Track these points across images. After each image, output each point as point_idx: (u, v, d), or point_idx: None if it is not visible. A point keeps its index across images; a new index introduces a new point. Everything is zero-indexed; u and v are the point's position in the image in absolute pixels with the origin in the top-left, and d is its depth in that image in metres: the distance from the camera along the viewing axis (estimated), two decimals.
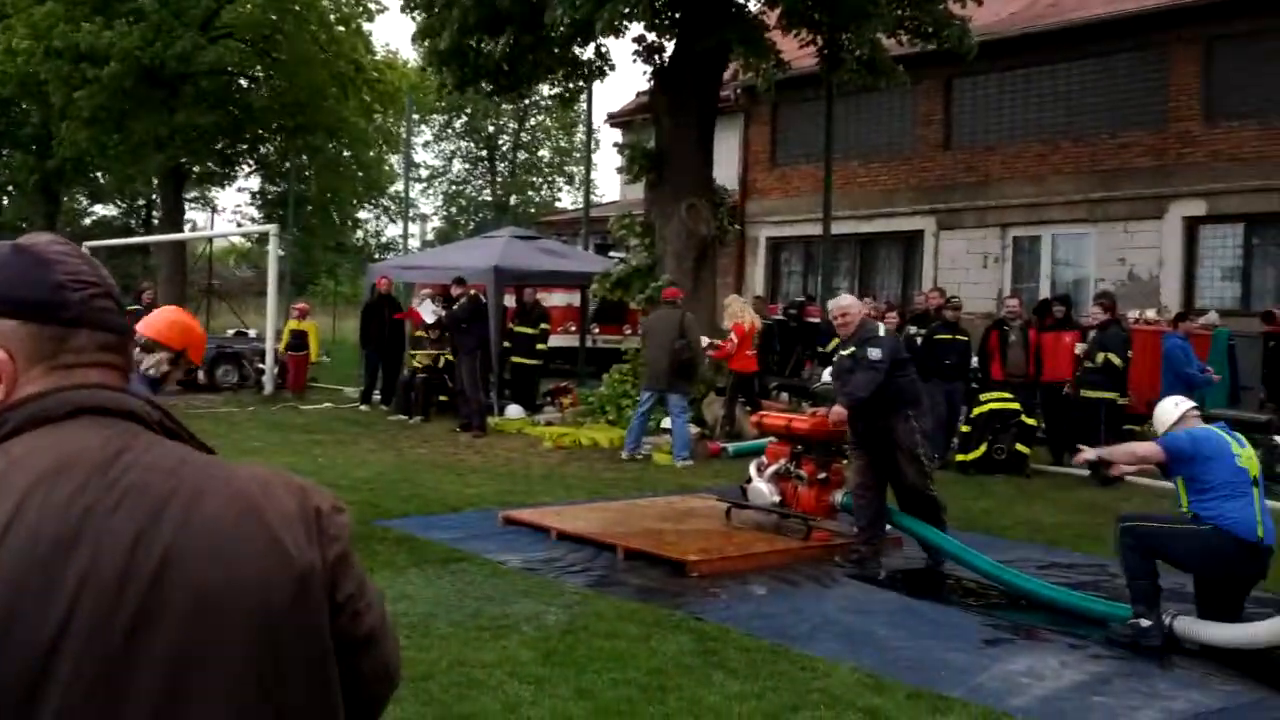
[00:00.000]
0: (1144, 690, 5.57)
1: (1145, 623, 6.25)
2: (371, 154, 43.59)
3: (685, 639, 6.05)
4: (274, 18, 29.88)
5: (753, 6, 16.27)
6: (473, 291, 15.08)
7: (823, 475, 8.71)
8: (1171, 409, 6.68)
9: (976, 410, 12.65)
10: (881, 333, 8.08)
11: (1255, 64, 17.46)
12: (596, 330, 22.63)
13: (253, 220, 43.62)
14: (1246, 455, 6.36)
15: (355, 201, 46.36)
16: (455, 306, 15.05)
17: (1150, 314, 16.02)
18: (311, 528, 1.31)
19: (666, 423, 13.22)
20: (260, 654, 1.23)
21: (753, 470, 9.27)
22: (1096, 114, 19.34)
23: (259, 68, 31.72)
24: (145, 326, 4.78)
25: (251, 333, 23.95)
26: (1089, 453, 7.31)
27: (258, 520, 1.27)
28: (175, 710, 1.18)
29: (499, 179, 59.68)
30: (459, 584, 7.06)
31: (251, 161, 37.21)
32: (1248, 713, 5.32)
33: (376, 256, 47.49)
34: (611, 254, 20.54)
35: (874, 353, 7.73)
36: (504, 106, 51.17)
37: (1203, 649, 6.18)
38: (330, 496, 1.38)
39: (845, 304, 8.34)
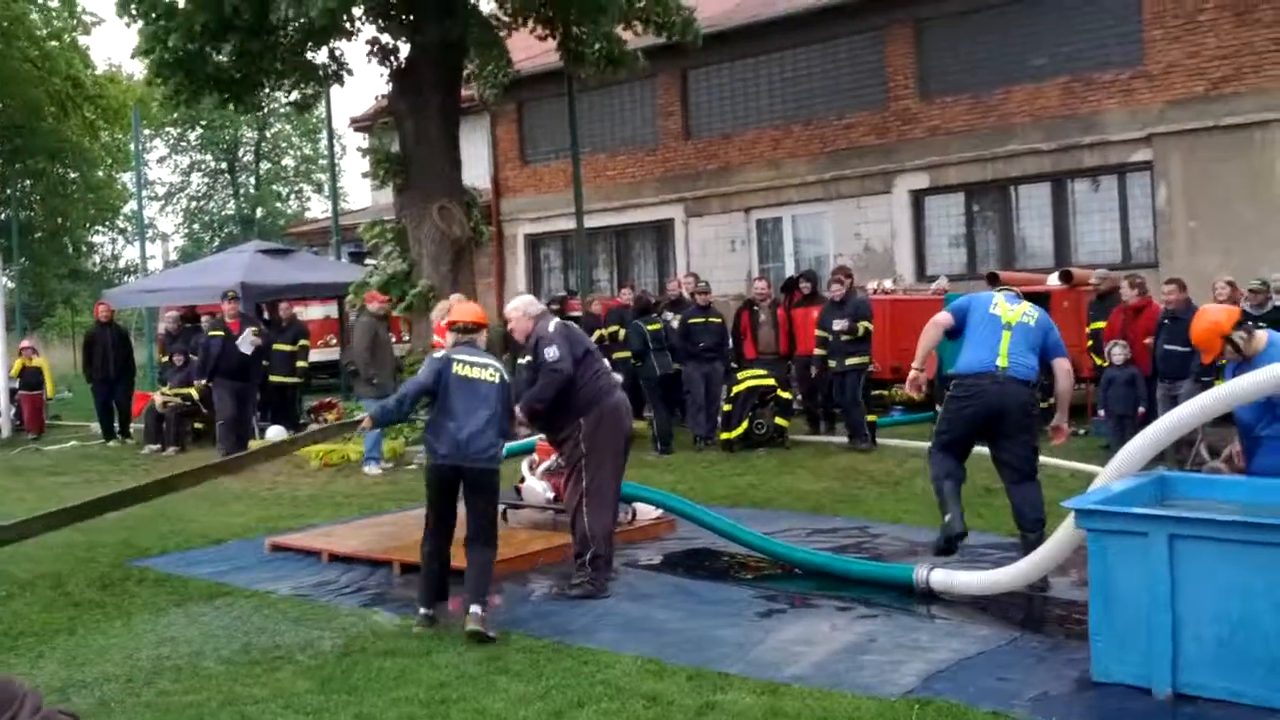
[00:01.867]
0: (908, 644, 5.88)
1: (947, 516, 7.02)
2: (101, 174, 41.28)
3: (466, 648, 6.02)
4: None
5: (484, 6, 16.24)
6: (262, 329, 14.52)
7: None
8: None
9: (735, 389, 13.07)
10: (552, 329, 7.23)
11: (965, 42, 18.67)
12: None
13: None
14: (1012, 310, 7.13)
15: (87, 225, 43.84)
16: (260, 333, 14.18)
17: (887, 284, 16.93)
18: None
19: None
20: None
21: (525, 469, 9.29)
22: (824, 97, 20.25)
23: None
24: None
25: None
26: (1062, 429, 7.36)
27: None
28: None
29: (242, 191, 57.51)
30: (226, 619, 6.79)
31: None
32: (1003, 652, 5.70)
33: (115, 281, 45.01)
34: (367, 262, 20.12)
35: (549, 352, 7.06)
36: (241, 116, 49.31)
37: (960, 598, 6.61)
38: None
39: (510, 308, 7.61)
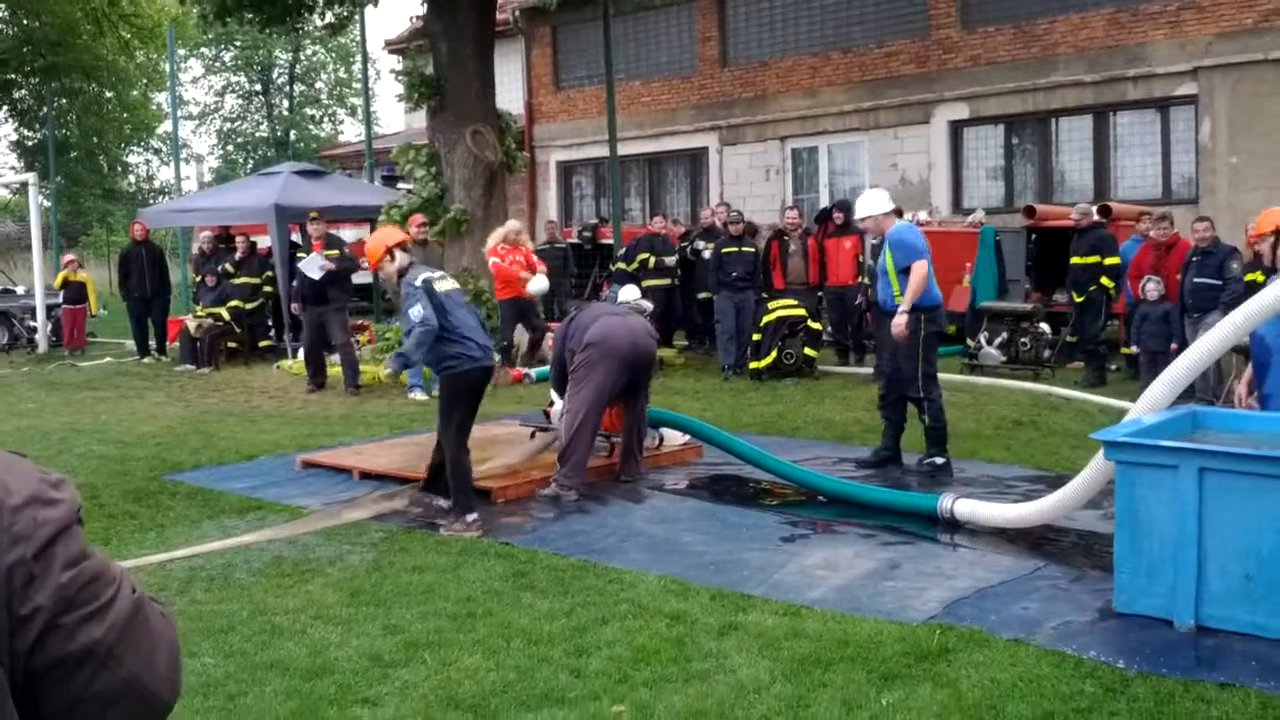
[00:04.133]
0: (930, 572, 5.92)
1: (939, 460, 8.16)
2: (136, 93, 41.24)
3: (494, 565, 6.10)
4: None
5: None
6: (348, 250, 13.94)
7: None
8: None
9: (765, 318, 13.04)
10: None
11: None
12: None
13: (12, 170, 40.78)
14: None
15: (122, 145, 43.91)
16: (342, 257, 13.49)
17: (922, 215, 16.75)
18: None
19: None
20: None
21: (554, 393, 9.33)
22: (864, 24, 19.91)
23: (1, 5, 29.48)
24: None
25: (20, 289, 22.52)
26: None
27: None
28: None
29: (276, 114, 57.38)
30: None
31: (5, 108, 34.71)
32: (1025, 582, 5.71)
33: (150, 201, 45.20)
34: (399, 185, 20.08)
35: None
36: (276, 37, 49.07)
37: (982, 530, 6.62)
38: (34, 483, 1.20)
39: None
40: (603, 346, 7.73)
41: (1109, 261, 12.46)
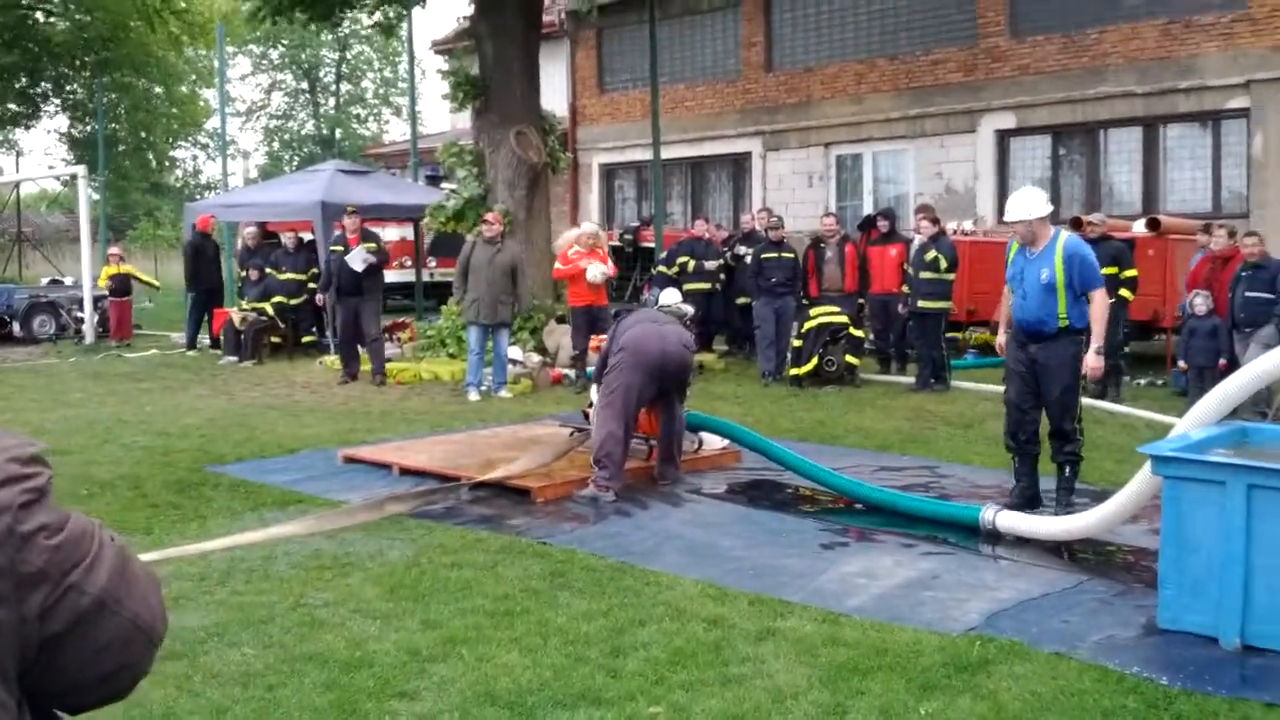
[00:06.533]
0: (971, 583, 5.86)
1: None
2: (184, 89, 41.75)
3: (532, 564, 6.11)
4: None
5: None
6: (383, 245, 14.24)
7: None
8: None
9: (806, 325, 12.98)
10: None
11: None
12: (433, 264, 22.33)
13: (63, 162, 41.34)
14: None
15: (170, 140, 44.46)
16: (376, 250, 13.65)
17: (967, 225, 16.64)
18: None
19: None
20: None
21: (593, 394, 9.33)
22: (910, 32, 19.82)
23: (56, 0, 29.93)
24: None
25: (68, 280, 22.85)
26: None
27: None
28: None
29: (322, 112, 57.88)
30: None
31: (57, 101, 35.22)
32: (1068, 595, 5.65)
33: (197, 196, 45.70)
34: (443, 185, 20.20)
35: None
36: (323, 36, 49.50)
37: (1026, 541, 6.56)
38: (12, 456, 1.25)
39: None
40: (632, 352, 7.81)
41: (1127, 274, 12.29)
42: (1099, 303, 7.13)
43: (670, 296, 9.14)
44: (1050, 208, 7.34)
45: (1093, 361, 7.17)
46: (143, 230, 39.92)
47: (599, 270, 12.76)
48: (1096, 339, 7.15)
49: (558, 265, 13.19)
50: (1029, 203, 7.21)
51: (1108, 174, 18.13)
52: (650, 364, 7.80)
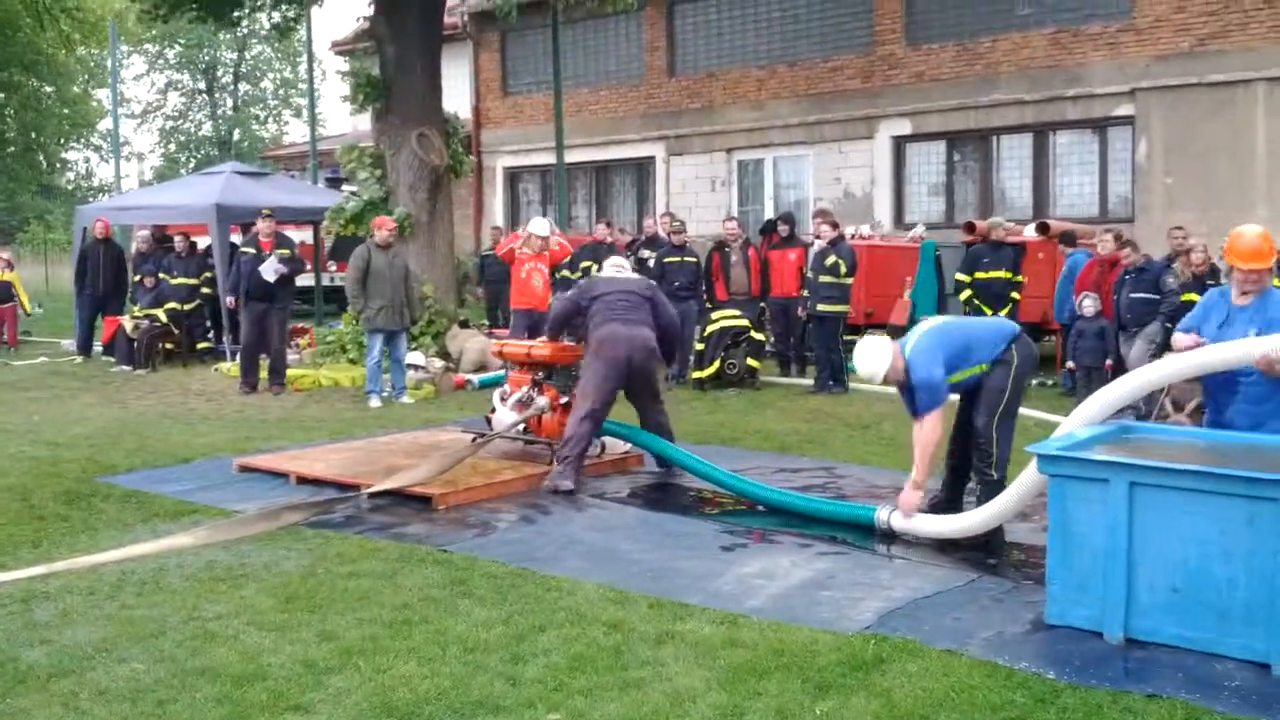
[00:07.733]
0: (866, 582, 5.96)
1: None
2: (76, 88, 40.63)
3: (432, 572, 6.06)
4: None
5: None
6: (297, 251, 13.64)
7: (565, 400, 8.84)
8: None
9: (708, 329, 13.09)
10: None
11: None
12: (334, 267, 22.02)
13: None
14: None
15: (62, 141, 43.25)
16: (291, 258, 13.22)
17: (865, 229, 16.92)
18: None
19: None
20: None
21: (496, 400, 9.31)
22: (810, 39, 20.11)
23: None
24: None
25: None
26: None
27: None
28: None
29: (220, 113, 56.73)
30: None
31: None
32: (960, 593, 5.77)
33: (89, 199, 44.46)
34: (344, 188, 19.94)
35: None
36: (222, 36, 48.54)
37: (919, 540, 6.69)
38: None
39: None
40: (600, 348, 8.35)
41: (1019, 278, 12.82)
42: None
43: (616, 266, 9.26)
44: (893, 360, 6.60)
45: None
46: (33, 234, 38.73)
47: (540, 225, 13.51)
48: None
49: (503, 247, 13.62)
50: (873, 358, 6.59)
51: (1000, 179, 18.59)
52: (618, 366, 8.32)
